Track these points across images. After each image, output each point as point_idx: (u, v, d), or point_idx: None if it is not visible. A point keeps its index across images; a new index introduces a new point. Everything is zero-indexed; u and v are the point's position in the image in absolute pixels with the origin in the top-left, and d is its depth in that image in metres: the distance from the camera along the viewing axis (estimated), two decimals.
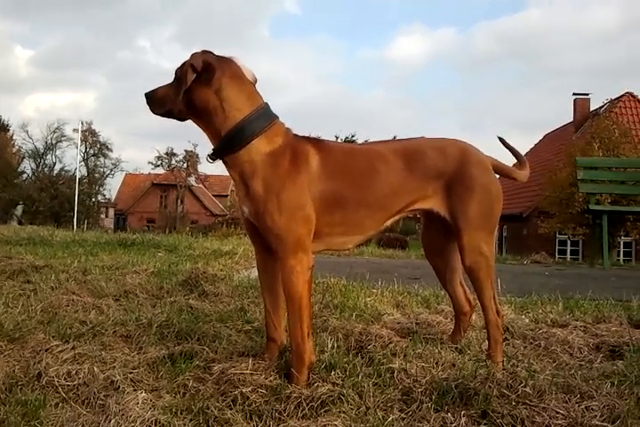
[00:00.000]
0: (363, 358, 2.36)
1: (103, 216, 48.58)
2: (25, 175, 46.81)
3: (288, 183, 2.14)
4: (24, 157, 47.00)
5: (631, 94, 27.06)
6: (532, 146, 34.36)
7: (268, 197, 2.13)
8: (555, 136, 31.81)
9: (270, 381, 2.07)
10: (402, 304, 3.51)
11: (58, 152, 48.29)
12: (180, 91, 2.12)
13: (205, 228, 29.80)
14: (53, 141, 47.48)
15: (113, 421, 1.73)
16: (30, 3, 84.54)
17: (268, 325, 2.39)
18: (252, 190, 2.17)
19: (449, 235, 2.54)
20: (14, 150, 45.90)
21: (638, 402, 1.94)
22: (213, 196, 51.67)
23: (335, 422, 1.75)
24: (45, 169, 47.29)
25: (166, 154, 46.43)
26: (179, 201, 47.28)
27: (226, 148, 2.20)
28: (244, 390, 1.96)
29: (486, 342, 2.52)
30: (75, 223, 26.67)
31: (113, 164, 49.90)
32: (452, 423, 1.77)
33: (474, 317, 2.86)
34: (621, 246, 22.18)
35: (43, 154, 47.50)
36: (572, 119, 29.57)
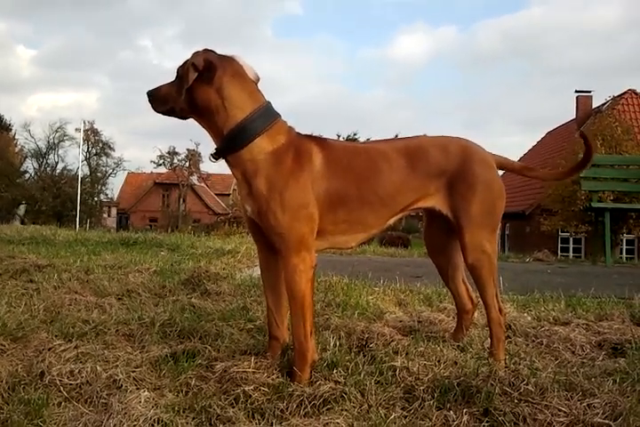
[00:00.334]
0: (365, 356, 2.36)
1: (105, 215, 48.59)
2: (27, 175, 46.87)
3: (291, 182, 2.15)
4: (26, 157, 47.07)
5: (634, 91, 26.98)
6: (535, 143, 34.31)
7: (271, 196, 2.14)
8: (557, 134, 31.73)
9: (273, 379, 2.07)
10: (404, 302, 3.52)
11: (60, 152, 48.33)
12: (182, 89, 2.13)
13: (208, 227, 29.78)
14: (55, 141, 47.51)
15: (115, 419, 1.73)
16: (32, 3, 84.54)
17: (270, 323, 2.40)
18: (254, 189, 2.17)
19: (451, 233, 2.54)
20: (16, 150, 45.94)
21: None
22: (215, 194, 51.66)
23: (337, 421, 1.76)
24: (48, 169, 47.33)
25: (168, 153, 46.40)
26: (181, 200, 47.30)
27: (228, 147, 2.20)
28: (246, 389, 1.97)
29: (488, 339, 2.53)
30: (77, 223, 26.69)
31: (115, 163, 49.94)
32: (454, 421, 1.78)
33: (476, 315, 2.86)
34: (624, 244, 22.11)
35: (45, 153, 47.55)
36: (574, 117, 29.51)
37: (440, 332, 2.79)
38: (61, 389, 2.00)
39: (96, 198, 46.29)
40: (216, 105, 2.16)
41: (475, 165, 2.42)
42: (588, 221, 17.29)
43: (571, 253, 22.87)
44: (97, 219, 43.18)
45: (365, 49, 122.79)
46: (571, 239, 24.06)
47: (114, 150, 49.26)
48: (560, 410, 1.80)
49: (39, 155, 47.32)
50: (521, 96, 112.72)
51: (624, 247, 22.11)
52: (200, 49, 2.19)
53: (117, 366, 2.20)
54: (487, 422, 1.79)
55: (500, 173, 2.64)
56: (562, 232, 22.86)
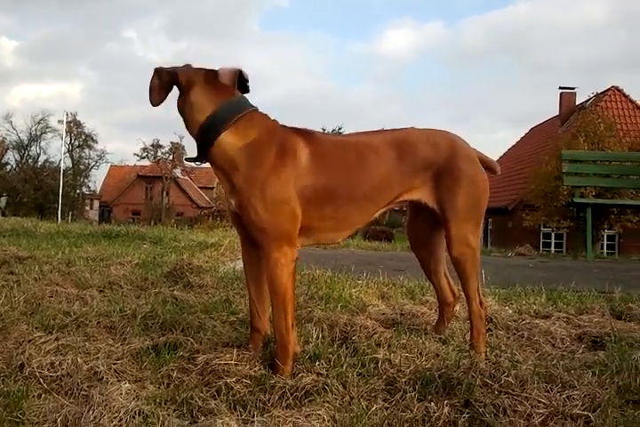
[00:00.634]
0: (347, 348, 2.37)
1: (88, 208, 48.30)
2: (9, 167, 46.41)
3: (272, 178, 2.13)
4: (8, 149, 46.54)
5: (617, 88, 27.23)
6: (519, 139, 34.51)
7: (251, 192, 2.13)
8: (541, 130, 31.96)
9: (255, 371, 2.07)
10: (387, 295, 3.52)
11: (42, 143, 48.07)
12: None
13: (191, 220, 29.65)
14: (38, 133, 47.12)
15: (96, 411, 1.72)
16: None
17: (252, 315, 2.40)
18: (236, 185, 2.17)
19: (434, 226, 2.55)
20: None
21: (619, 391, 1.97)
22: (199, 188, 51.51)
23: (319, 412, 1.76)
24: (30, 160, 46.92)
25: (152, 146, 46.17)
26: (164, 193, 47.09)
27: (200, 148, 2.22)
28: (228, 381, 1.97)
29: (469, 332, 2.54)
30: (59, 215, 26.49)
31: (98, 155, 49.64)
32: (435, 413, 1.78)
33: (457, 308, 2.87)
34: (605, 239, 22.37)
35: (27, 145, 47.11)
36: (558, 113, 29.71)
37: (422, 324, 2.81)
38: (41, 381, 1.99)
39: (78, 191, 46.01)
40: (186, 113, 2.21)
41: (461, 159, 2.43)
42: (570, 217, 17.48)
43: (552, 249, 23.08)
44: (79, 211, 42.89)
45: (353, 43, 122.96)
46: (553, 234, 24.28)
47: (97, 143, 49.00)
48: (540, 402, 1.81)
49: (21, 146, 46.89)
50: (506, 92, 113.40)
51: (605, 243, 22.38)
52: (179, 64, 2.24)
53: (98, 358, 2.19)
54: (468, 413, 1.80)
55: None
56: (544, 227, 23.07)
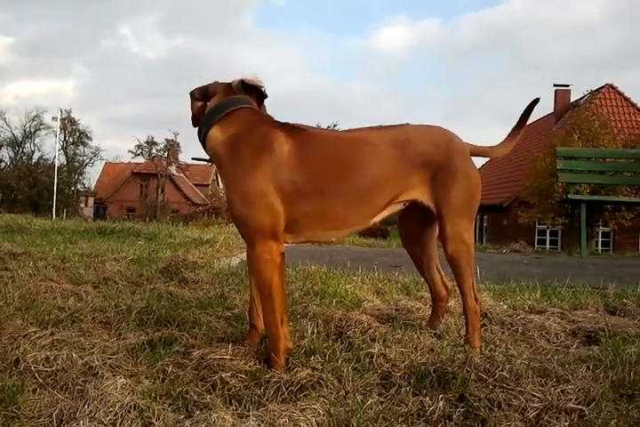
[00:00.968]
0: (342, 343, 2.37)
1: (83, 205, 48.11)
2: (3, 164, 46.25)
3: (247, 170, 2.14)
4: (2, 146, 46.37)
5: (611, 86, 27.28)
6: None
7: (229, 186, 2.19)
8: (535, 127, 31.94)
9: (250, 366, 2.08)
10: (382, 291, 3.53)
11: (36, 140, 47.91)
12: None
13: (186, 217, 29.63)
14: (32, 130, 46.94)
15: (91, 406, 1.71)
16: None
17: (251, 311, 2.40)
18: (222, 180, 2.25)
19: (426, 223, 2.55)
20: None
21: (613, 385, 1.97)
22: (194, 185, 51.38)
23: (314, 406, 1.76)
24: (24, 157, 46.73)
25: (147, 143, 46.10)
26: (159, 190, 47.00)
27: (201, 144, 2.32)
28: (223, 375, 1.97)
29: (464, 327, 2.55)
30: (54, 212, 26.43)
31: (93, 152, 49.45)
32: (429, 407, 1.79)
33: (452, 303, 2.88)
34: (600, 236, 22.42)
35: (21, 142, 46.93)
36: (552, 110, 29.75)
37: (417, 320, 2.81)
38: (36, 376, 1.98)
39: (73, 188, 45.84)
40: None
41: (456, 156, 2.42)
42: (565, 214, 17.51)
43: (547, 246, 23.13)
44: (74, 208, 42.74)
45: (349, 40, 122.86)
46: (547, 231, 24.34)
47: (91, 140, 48.84)
48: (534, 396, 1.82)
49: (15, 143, 46.72)
50: (501, 89, 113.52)
51: (600, 240, 22.42)
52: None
53: (93, 353, 2.19)
54: (462, 407, 1.80)
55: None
56: (539, 224, 23.14)
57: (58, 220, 11.78)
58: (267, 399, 1.85)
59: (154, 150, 46.58)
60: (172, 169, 47.89)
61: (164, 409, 1.75)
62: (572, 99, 28.89)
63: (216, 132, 2.23)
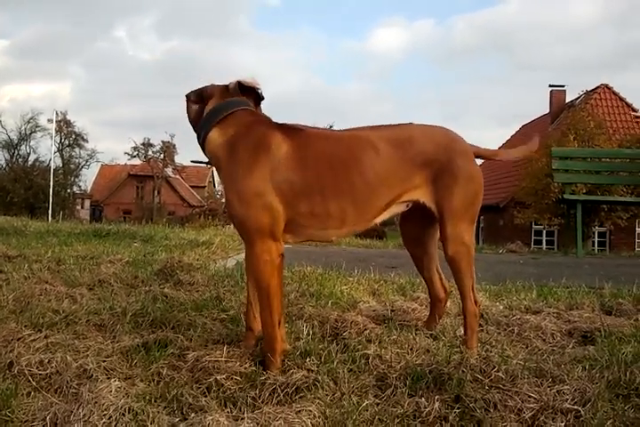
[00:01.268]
0: (338, 344, 2.37)
1: (79, 207, 47.95)
2: None
3: (244, 171, 2.15)
4: None
5: (606, 86, 27.32)
6: (509, 137, 34.59)
7: (227, 187, 2.19)
8: (531, 127, 32.00)
9: (245, 368, 2.07)
10: (378, 292, 3.52)
11: (32, 143, 47.55)
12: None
13: (182, 219, 29.64)
14: (27, 132, 46.75)
15: (86, 409, 1.70)
16: None
17: (248, 314, 2.39)
18: (221, 181, 2.27)
19: (428, 223, 2.54)
20: None
21: (608, 385, 1.97)
22: (191, 187, 51.30)
23: (310, 408, 1.75)
24: (19, 160, 46.57)
25: (143, 144, 45.95)
26: (155, 192, 46.90)
27: (201, 147, 2.32)
28: (218, 378, 1.97)
29: (460, 328, 2.54)
30: (50, 214, 26.36)
31: (88, 154, 49.26)
32: (425, 408, 1.78)
33: (448, 304, 2.88)
34: (596, 236, 22.46)
35: (17, 144, 46.76)
36: (548, 111, 29.79)
37: (413, 320, 2.81)
38: (31, 379, 1.97)
39: (69, 190, 45.68)
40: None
41: (459, 156, 2.40)
42: (561, 214, 17.54)
43: (544, 246, 23.16)
44: (70, 211, 42.55)
45: (345, 42, 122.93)
46: (544, 232, 24.35)
47: (87, 142, 48.61)
48: (530, 396, 1.82)
49: (10, 146, 46.54)
50: (497, 90, 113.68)
51: (596, 240, 22.46)
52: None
53: (88, 355, 2.18)
54: (458, 408, 1.80)
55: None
56: (535, 225, 23.15)
57: (54, 222, 11.75)
58: (262, 402, 1.85)
59: (150, 152, 46.45)
60: (169, 171, 47.78)
61: (158, 412, 1.75)
62: (568, 99, 28.93)
63: (215, 135, 2.24)
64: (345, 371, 2.04)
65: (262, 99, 2.41)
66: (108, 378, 1.97)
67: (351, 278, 3.86)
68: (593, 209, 17.49)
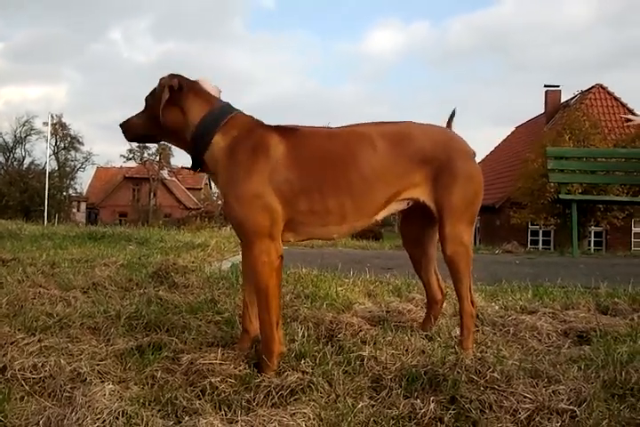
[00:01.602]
0: (333, 346, 2.36)
1: (75, 210, 47.91)
2: None
3: (243, 173, 2.15)
4: None
5: (601, 86, 27.38)
6: (504, 138, 34.65)
7: (226, 189, 2.18)
8: (526, 128, 32.08)
9: (239, 370, 2.06)
10: (373, 293, 3.52)
11: (27, 146, 47.55)
12: (159, 109, 2.21)
13: (179, 221, 29.62)
14: (22, 135, 46.71)
15: (79, 413, 1.69)
16: None
17: (244, 316, 2.38)
18: (218, 185, 2.25)
19: (427, 223, 2.54)
20: None
21: (604, 385, 1.97)
22: (187, 189, 51.26)
23: (305, 410, 1.74)
24: (15, 163, 46.52)
25: (138, 147, 45.83)
26: (151, 194, 46.86)
27: (195, 155, 2.29)
28: (212, 380, 1.95)
29: (456, 328, 2.54)
30: (45, 217, 26.30)
31: (84, 157, 49.23)
32: (420, 409, 1.78)
33: (444, 304, 2.87)
34: (592, 236, 22.49)
35: (12, 148, 46.70)
36: (543, 111, 29.85)
37: (408, 321, 2.80)
38: (24, 383, 1.96)
39: (65, 193, 45.63)
40: (181, 121, 2.27)
41: (459, 156, 2.40)
42: (557, 214, 17.59)
43: (540, 246, 23.19)
44: (66, 214, 42.51)
45: (340, 44, 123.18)
46: (540, 232, 24.39)
47: (82, 144, 48.60)
48: (525, 397, 1.81)
49: (5, 149, 46.48)
50: (491, 91, 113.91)
51: (592, 240, 22.48)
52: (165, 75, 2.31)
53: (82, 359, 2.17)
54: (454, 409, 1.79)
55: None
56: (531, 225, 23.18)
57: (49, 225, 11.72)
58: (256, 404, 1.83)
59: (145, 154, 46.39)
60: (165, 173, 47.78)
61: (152, 415, 1.74)
62: (563, 99, 28.99)
63: (219, 139, 2.22)
64: (340, 373, 2.03)
65: None
66: (102, 382, 1.96)
67: (347, 280, 3.85)
68: (589, 209, 17.52)
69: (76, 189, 49.47)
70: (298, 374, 1.99)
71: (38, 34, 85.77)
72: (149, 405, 1.82)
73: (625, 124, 17.25)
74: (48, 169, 37.04)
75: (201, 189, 49.56)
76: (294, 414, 1.73)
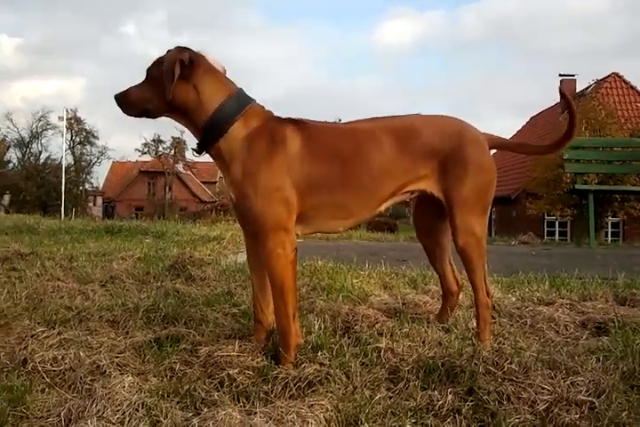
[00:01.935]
0: (350, 338, 2.37)
1: (91, 204, 48.25)
2: (11, 165, 46.46)
3: (263, 165, 2.14)
4: (9, 147, 46.56)
5: (617, 75, 27.08)
6: (520, 127, 34.40)
7: (245, 181, 2.14)
8: (541, 118, 31.83)
9: (257, 362, 2.07)
10: (389, 285, 3.52)
11: (43, 141, 47.99)
12: (169, 87, 2.12)
13: (194, 214, 29.76)
14: (39, 130, 47.06)
15: (99, 405, 1.72)
16: None
17: (255, 308, 2.39)
18: (232, 175, 2.19)
19: (440, 215, 2.52)
20: None
21: (623, 377, 1.96)
22: (202, 182, 51.43)
23: (322, 402, 1.75)
24: (31, 158, 46.91)
25: (153, 141, 46.09)
26: (167, 188, 47.07)
27: (207, 139, 2.21)
28: (230, 372, 1.97)
29: (473, 320, 2.53)
30: (62, 212, 26.51)
31: (100, 151, 49.53)
32: (438, 401, 1.78)
33: (460, 295, 2.86)
34: (609, 227, 22.31)
35: (28, 143, 47.09)
36: (558, 100, 29.58)
37: (425, 313, 2.80)
38: (44, 375, 1.99)
39: (81, 188, 45.99)
40: (193, 100, 2.18)
41: (468, 145, 2.37)
42: (574, 205, 17.42)
43: (557, 237, 23.04)
44: (82, 208, 42.83)
45: (353, 34, 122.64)
46: (556, 223, 24.24)
47: (98, 139, 48.86)
48: (544, 388, 1.81)
49: (22, 144, 46.87)
50: (507, 80, 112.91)
51: (609, 230, 22.31)
52: (172, 48, 2.19)
53: (101, 351, 2.19)
54: (471, 401, 1.79)
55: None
56: (548, 216, 23.04)
57: (66, 220, 11.81)
58: (274, 396, 1.85)
59: (160, 148, 46.61)
60: (179, 167, 47.95)
61: (171, 407, 1.76)
62: (578, 88, 28.71)
63: (238, 129, 2.18)
64: (357, 364, 2.04)
65: None
66: (121, 374, 1.98)
67: (362, 272, 3.86)
68: (605, 199, 17.35)
69: (92, 184, 49.93)
70: (315, 366, 2.00)
71: (54, 29, 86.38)
72: (168, 397, 1.84)
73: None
74: (64, 164, 37.37)
75: (216, 182, 49.67)
76: (312, 405, 1.73)
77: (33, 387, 1.90)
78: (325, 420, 1.67)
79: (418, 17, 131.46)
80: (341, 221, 2.35)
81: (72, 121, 45.75)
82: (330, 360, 2.08)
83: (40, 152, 47.28)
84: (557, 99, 29.38)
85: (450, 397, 1.79)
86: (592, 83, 27.09)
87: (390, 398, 1.85)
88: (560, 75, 29.32)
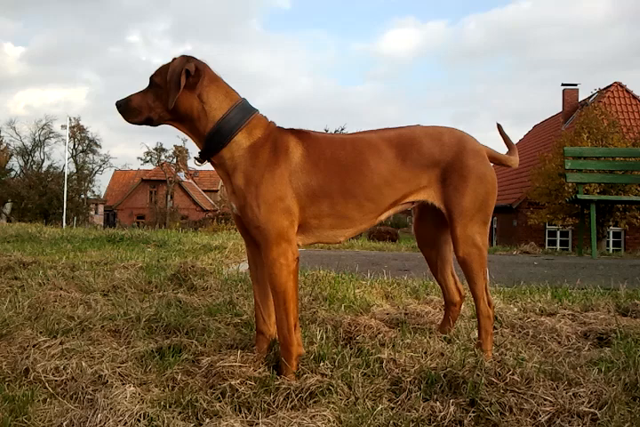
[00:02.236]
0: (352, 348, 2.36)
1: (93, 213, 48.31)
2: (13, 173, 46.55)
3: (266, 175, 2.14)
4: (12, 155, 46.72)
5: (619, 84, 27.12)
6: (522, 137, 34.43)
7: (247, 190, 2.15)
8: (543, 127, 31.88)
9: (259, 373, 2.07)
10: (391, 295, 3.51)
11: (46, 149, 48.27)
12: (173, 96, 2.13)
13: (196, 223, 29.77)
14: (41, 138, 47.31)
15: (101, 415, 1.71)
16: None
17: (257, 318, 2.39)
18: (234, 185, 2.19)
19: (442, 225, 2.53)
20: (2, 148, 45.64)
21: (625, 388, 1.95)
22: (203, 191, 51.52)
23: (324, 413, 1.75)
24: (34, 166, 47.04)
25: (155, 149, 46.23)
26: (168, 197, 47.14)
27: (210, 148, 2.21)
28: (232, 383, 1.96)
29: (475, 331, 2.53)
30: (64, 220, 26.54)
31: (102, 160, 49.77)
32: (440, 412, 1.78)
33: (462, 306, 2.86)
34: (611, 236, 22.28)
35: (31, 151, 47.31)
36: (560, 110, 29.63)
37: (427, 324, 2.80)
38: (46, 385, 1.99)
39: (83, 196, 46.03)
40: (197, 110, 2.19)
41: (469, 156, 2.38)
42: (575, 214, 17.41)
43: (558, 246, 22.98)
44: (84, 216, 42.88)
45: (356, 43, 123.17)
46: (558, 232, 24.18)
47: (100, 147, 49.19)
48: (546, 399, 1.81)
49: (25, 152, 47.07)
50: (509, 90, 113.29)
51: (611, 240, 22.28)
52: (177, 56, 2.20)
53: (103, 361, 2.18)
54: (474, 412, 1.79)
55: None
56: (549, 225, 23.00)
57: (68, 228, 11.83)
58: (276, 406, 1.85)
59: (163, 157, 46.75)
60: (181, 175, 48.05)
61: (173, 418, 1.75)
62: (581, 98, 28.76)
63: (242, 139, 2.20)
64: (359, 375, 2.04)
65: None
66: (123, 384, 1.98)
67: (364, 282, 3.86)
68: (607, 209, 17.35)
69: (94, 192, 50.01)
70: (317, 377, 2.00)
71: (57, 38, 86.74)
72: (170, 407, 1.84)
73: None
74: (67, 172, 37.42)
75: (217, 190, 49.74)
76: (314, 416, 1.73)
77: (35, 397, 1.89)
78: None
79: (421, 27, 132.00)
80: (342, 231, 2.36)
81: (75, 129, 45.94)
82: (332, 371, 2.08)
83: (42, 160, 47.53)
84: (559, 108, 29.50)
85: (452, 408, 1.79)
86: (594, 92, 27.12)
87: (392, 409, 1.84)
88: (562, 84, 29.39)
